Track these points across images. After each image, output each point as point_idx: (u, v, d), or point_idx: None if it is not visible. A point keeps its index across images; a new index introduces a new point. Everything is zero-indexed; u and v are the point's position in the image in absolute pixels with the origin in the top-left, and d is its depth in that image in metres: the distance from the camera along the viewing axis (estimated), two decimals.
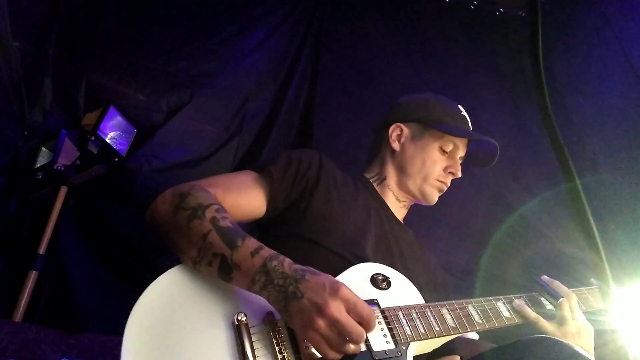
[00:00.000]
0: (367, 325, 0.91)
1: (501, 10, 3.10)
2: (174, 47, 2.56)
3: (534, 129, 2.80)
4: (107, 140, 2.22)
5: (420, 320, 1.11)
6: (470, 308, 1.23)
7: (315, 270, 0.97)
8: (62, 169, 2.18)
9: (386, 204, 1.52)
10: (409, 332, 1.07)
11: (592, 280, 1.59)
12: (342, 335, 0.89)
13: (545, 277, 1.38)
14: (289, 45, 2.85)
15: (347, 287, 0.93)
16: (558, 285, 1.35)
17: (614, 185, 2.39)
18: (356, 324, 0.90)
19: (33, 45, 2.19)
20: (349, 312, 0.90)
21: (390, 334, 1.05)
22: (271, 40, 2.79)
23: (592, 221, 2.36)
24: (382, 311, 1.09)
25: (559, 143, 2.65)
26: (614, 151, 2.43)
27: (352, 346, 0.91)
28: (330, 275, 0.96)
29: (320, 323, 0.88)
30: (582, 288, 1.51)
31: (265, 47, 2.77)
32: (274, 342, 0.94)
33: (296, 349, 0.95)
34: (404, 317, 1.10)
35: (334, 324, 0.88)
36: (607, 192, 2.42)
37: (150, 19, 2.56)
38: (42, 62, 2.24)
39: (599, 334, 1.69)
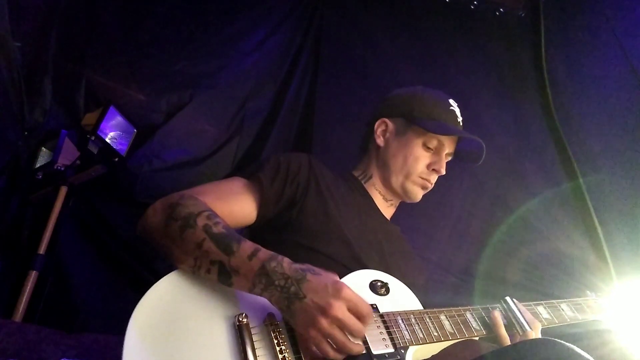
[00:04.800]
0: (364, 320, 0.94)
1: (501, 10, 3.10)
2: (174, 47, 2.56)
3: (534, 128, 2.81)
4: (107, 140, 2.22)
5: (418, 325, 1.12)
6: (469, 315, 1.24)
7: (315, 268, 0.98)
8: (62, 169, 2.18)
9: (374, 203, 1.51)
10: (407, 337, 1.08)
11: (588, 292, 1.59)
12: (344, 332, 0.91)
13: (514, 300, 1.32)
14: (289, 45, 2.84)
15: (347, 286, 0.94)
16: (524, 312, 1.31)
17: (614, 185, 2.39)
18: (357, 321, 0.92)
19: (33, 45, 2.19)
20: (349, 310, 0.92)
21: (390, 338, 1.05)
22: (271, 40, 2.79)
23: (595, 219, 2.37)
24: (381, 316, 1.10)
25: (561, 142, 2.66)
26: (614, 151, 2.43)
27: (353, 346, 0.92)
28: (330, 274, 0.98)
29: (324, 322, 0.90)
30: (579, 299, 1.52)
31: (265, 47, 2.77)
32: (275, 342, 0.95)
33: (296, 349, 0.96)
34: (402, 322, 1.11)
35: (337, 323, 0.90)
36: (607, 192, 2.42)
37: (151, 19, 2.56)
38: (42, 62, 2.23)
39: (599, 334, 1.70)
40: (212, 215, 1.06)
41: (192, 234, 1.01)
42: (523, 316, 1.28)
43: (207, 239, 1.00)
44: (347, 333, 0.92)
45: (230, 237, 1.01)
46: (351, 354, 0.93)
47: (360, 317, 0.93)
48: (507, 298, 1.32)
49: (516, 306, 1.31)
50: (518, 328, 1.25)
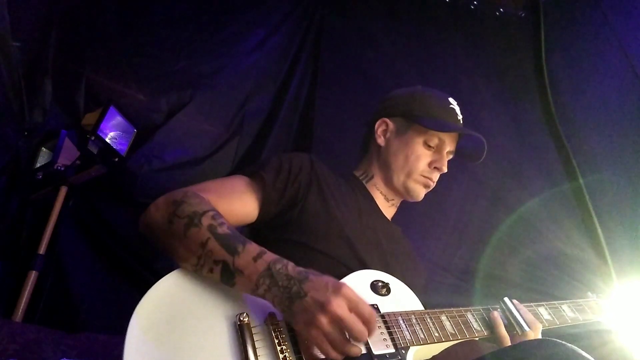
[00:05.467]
0: (368, 324, 0.92)
1: (501, 10, 3.10)
2: (174, 47, 2.56)
3: (534, 128, 2.80)
4: (107, 140, 2.22)
5: (419, 325, 1.12)
6: (469, 316, 1.24)
7: (318, 272, 0.98)
8: (62, 169, 2.18)
9: (375, 203, 1.52)
10: (408, 337, 1.08)
11: (589, 293, 1.59)
12: (344, 333, 0.91)
13: (515, 301, 1.33)
14: (289, 45, 2.84)
15: (349, 286, 0.94)
16: (524, 313, 1.31)
17: (614, 185, 2.39)
18: (358, 321, 0.91)
19: (33, 45, 2.19)
20: (351, 310, 0.92)
21: (390, 338, 1.05)
22: (271, 40, 2.79)
23: (595, 219, 2.37)
24: (382, 316, 1.10)
25: (561, 142, 2.66)
26: (614, 151, 2.43)
27: (351, 347, 0.92)
28: (332, 277, 0.97)
29: (323, 320, 0.89)
30: (579, 300, 1.52)
31: (265, 47, 2.77)
32: (276, 342, 0.95)
33: (297, 348, 0.96)
34: (403, 322, 1.11)
35: (337, 321, 0.90)
36: (607, 192, 2.42)
37: (150, 19, 2.56)
38: (42, 62, 2.23)
39: (599, 334, 1.70)
40: (217, 215, 1.06)
41: (196, 233, 1.01)
42: (522, 316, 1.28)
43: (212, 239, 1.00)
44: (348, 335, 0.91)
45: (236, 238, 1.01)
46: (350, 356, 0.93)
47: (364, 320, 0.92)
48: (506, 299, 1.32)
49: (515, 306, 1.31)
50: (517, 328, 1.26)
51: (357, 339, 0.92)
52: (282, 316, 0.98)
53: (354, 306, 0.92)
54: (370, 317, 0.92)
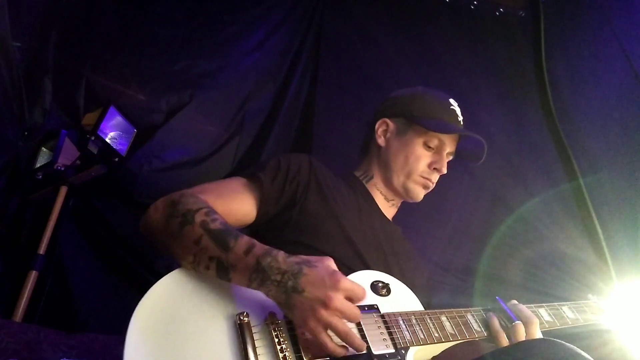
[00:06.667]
0: (357, 301, 0.96)
1: (501, 10, 3.10)
2: (174, 47, 2.56)
3: (533, 128, 2.81)
4: (107, 140, 2.22)
5: (419, 326, 1.12)
6: (469, 316, 1.24)
7: (311, 259, 0.98)
8: (62, 169, 2.18)
9: (376, 203, 1.52)
10: (408, 337, 1.08)
11: (589, 295, 1.59)
12: (344, 322, 0.92)
13: (513, 301, 1.32)
14: (289, 45, 2.84)
15: (344, 276, 0.95)
16: (521, 309, 1.28)
17: (614, 185, 2.39)
18: (355, 308, 0.94)
19: (33, 45, 2.19)
20: (348, 299, 0.94)
21: (390, 338, 1.05)
22: (271, 40, 2.79)
23: (595, 219, 2.37)
24: (382, 316, 1.10)
25: (561, 142, 2.66)
26: (614, 151, 2.43)
27: (355, 337, 0.93)
28: (325, 263, 0.98)
29: (324, 314, 0.90)
30: (580, 302, 1.51)
31: (265, 47, 2.77)
32: (275, 341, 0.95)
33: (297, 348, 0.96)
34: (403, 322, 1.11)
35: (337, 314, 0.91)
36: (607, 192, 2.42)
37: (150, 19, 2.56)
38: (42, 62, 2.24)
39: (599, 334, 1.70)
40: (210, 211, 1.06)
41: (190, 231, 1.02)
42: (511, 310, 1.27)
43: (205, 235, 1.01)
44: (346, 320, 0.93)
45: (227, 233, 1.01)
46: (352, 345, 0.93)
47: (355, 300, 0.95)
48: (497, 298, 1.32)
49: (505, 304, 1.30)
50: (507, 323, 1.25)
51: (352, 321, 0.96)
52: (279, 307, 0.98)
53: (351, 294, 0.94)
54: (361, 297, 0.95)
